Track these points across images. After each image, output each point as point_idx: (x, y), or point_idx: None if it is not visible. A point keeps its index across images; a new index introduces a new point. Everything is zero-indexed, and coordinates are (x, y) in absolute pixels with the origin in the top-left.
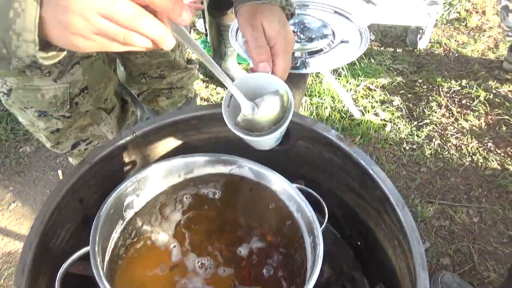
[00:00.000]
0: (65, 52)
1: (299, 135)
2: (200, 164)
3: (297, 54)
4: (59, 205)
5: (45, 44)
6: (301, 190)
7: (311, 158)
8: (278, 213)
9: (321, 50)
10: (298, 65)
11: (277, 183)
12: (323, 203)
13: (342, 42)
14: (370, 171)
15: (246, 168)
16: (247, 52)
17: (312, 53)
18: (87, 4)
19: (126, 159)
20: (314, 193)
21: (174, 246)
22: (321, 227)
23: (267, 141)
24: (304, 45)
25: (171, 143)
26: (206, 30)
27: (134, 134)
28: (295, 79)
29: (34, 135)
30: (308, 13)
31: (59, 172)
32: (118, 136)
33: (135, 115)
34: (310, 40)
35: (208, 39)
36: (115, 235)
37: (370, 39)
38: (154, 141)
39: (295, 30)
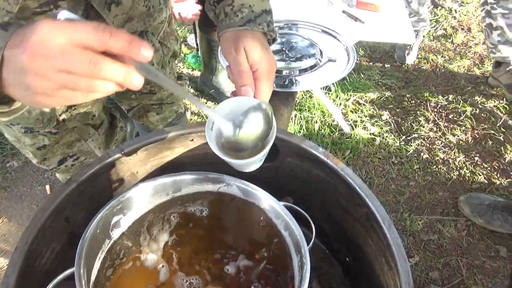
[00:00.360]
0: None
1: (287, 152)
2: (188, 182)
3: (285, 72)
4: (44, 225)
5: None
6: (289, 208)
7: (300, 175)
8: (266, 232)
9: (309, 68)
10: (286, 83)
11: (265, 201)
12: (311, 221)
13: (329, 60)
14: (358, 189)
15: (234, 186)
16: (230, 76)
17: (300, 72)
18: (42, 62)
19: (114, 177)
20: (302, 211)
21: (162, 266)
22: (308, 244)
23: (251, 164)
24: (292, 64)
25: (159, 160)
26: (197, 44)
27: (122, 152)
28: (284, 97)
29: (20, 150)
30: (296, 32)
31: (47, 187)
32: (105, 154)
33: (124, 131)
34: (298, 59)
35: (199, 54)
36: (101, 255)
37: (358, 55)
38: (142, 158)
39: (284, 49)
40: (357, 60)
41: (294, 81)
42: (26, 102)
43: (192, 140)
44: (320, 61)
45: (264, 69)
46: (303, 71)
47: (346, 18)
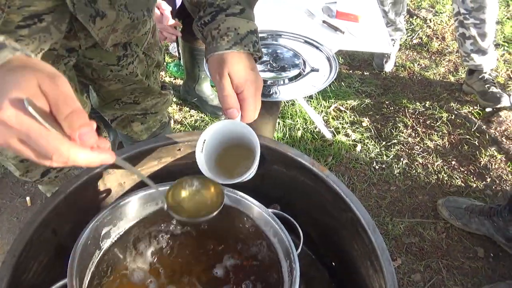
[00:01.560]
0: None
1: (274, 160)
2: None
3: (270, 82)
4: (32, 238)
5: None
6: (277, 215)
7: (286, 182)
8: (255, 238)
9: (293, 78)
10: (271, 92)
11: (254, 208)
12: (299, 228)
13: (312, 70)
14: (342, 194)
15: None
16: (218, 96)
17: (284, 81)
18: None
19: (101, 187)
20: (290, 218)
21: (151, 281)
22: (297, 250)
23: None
24: (276, 74)
25: (147, 169)
26: (179, 53)
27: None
28: (268, 106)
29: (1, 163)
30: (281, 43)
31: (27, 199)
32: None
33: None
34: (282, 69)
35: (182, 63)
36: (92, 266)
37: (339, 63)
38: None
39: (268, 59)
40: (337, 72)
41: (278, 90)
42: None
43: (180, 149)
44: (304, 71)
45: (249, 91)
46: (287, 80)
47: (326, 29)
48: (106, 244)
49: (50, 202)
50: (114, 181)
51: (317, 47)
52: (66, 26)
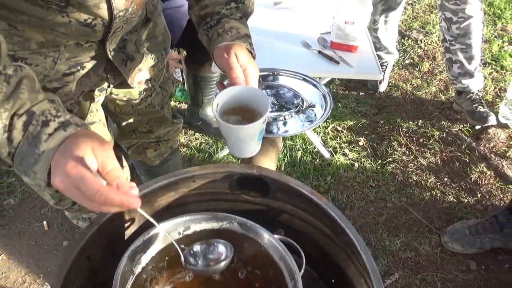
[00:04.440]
0: None
1: (277, 189)
2: (197, 221)
3: (272, 119)
4: (72, 264)
5: None
6: (281, 239)
7: (289, 208)
8: (264, 262)
9: (293, 114)
10: (273, 129)
11: (262, 235)
12: (301, 251)
13: (309, 106)
14: (338, 220)
15: (235, 223)
16: (226, 72)
17: (285, 118)
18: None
19: (127, 217)
20: (294, 243)
21: None
22: (300, 271)
23: (250, 136)
24: (278, 112)
25: (165, 199)
26: (183, 79)
27: None
28: (272, 139)
29: (38, 193)
30: (281, 83)
31: (44, 223)
32: None
33: (128, 169)
34: (283, 106)
35: (186, 88)
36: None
37: (335, 84)
38: (151, 199)
39: (270, 95)
40: (331, 107)
41: (280, 126)
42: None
43: (194, 181)
44: (302, 107)
45: (251, 69)
46: (288, 117)
47: (321, 58)
48: (138, 269)
49: (86, 232)
50: (137, 211)
51: (314, 85)
52: (102, 70)
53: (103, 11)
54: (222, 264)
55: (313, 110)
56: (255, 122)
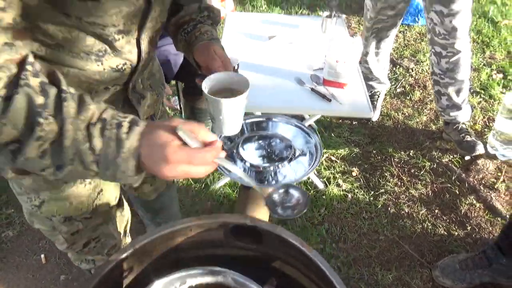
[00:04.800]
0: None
1: (270, 239)
2: (193, 276)
3: (264, 168)
4: None
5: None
6: None
7: (281, 256)
8: None
9: (286, 163)
10: (266, 177)
11: None
12: None
13: (300, 155)
14: (326, 271)
15: (229, 278)
16: (208, 64)
17: (278, 167)
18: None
19: (125, 267)
20: None
21: None
22: None
23: (236, 110)
24: (270, 162)
25: (162, 248)
26: (180, 108)
27: (134, 248)
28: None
29: (50, 238)
30: (273, 132)
31: (42, 256)
32: (122, 249)
33: (128, 210)
34: (276, 156)
35: (183, 116)
36: None
37: (325, 122)
38: (149, 249)
39: (263, 145)
40: (322, 156)
41: (272, 175)
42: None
43: (191, 230)
44: (294, 156)
45: (227, 60)
46: (279, 166)
47: (314, 95)
48: None
49: (90, 281)
50: (136, 260)
51: (307, 133)
52: (120, 105)
53: (134, 56)
54: None
55: (304, 158)
56: (239, 96)
